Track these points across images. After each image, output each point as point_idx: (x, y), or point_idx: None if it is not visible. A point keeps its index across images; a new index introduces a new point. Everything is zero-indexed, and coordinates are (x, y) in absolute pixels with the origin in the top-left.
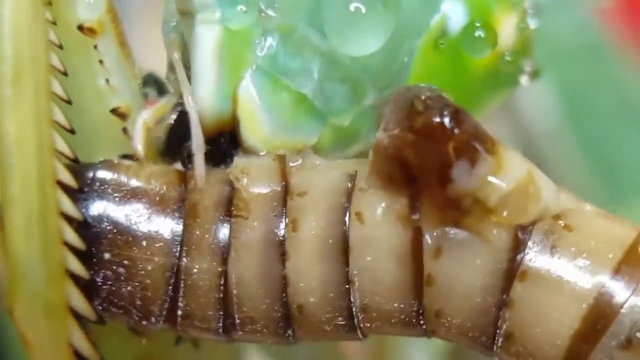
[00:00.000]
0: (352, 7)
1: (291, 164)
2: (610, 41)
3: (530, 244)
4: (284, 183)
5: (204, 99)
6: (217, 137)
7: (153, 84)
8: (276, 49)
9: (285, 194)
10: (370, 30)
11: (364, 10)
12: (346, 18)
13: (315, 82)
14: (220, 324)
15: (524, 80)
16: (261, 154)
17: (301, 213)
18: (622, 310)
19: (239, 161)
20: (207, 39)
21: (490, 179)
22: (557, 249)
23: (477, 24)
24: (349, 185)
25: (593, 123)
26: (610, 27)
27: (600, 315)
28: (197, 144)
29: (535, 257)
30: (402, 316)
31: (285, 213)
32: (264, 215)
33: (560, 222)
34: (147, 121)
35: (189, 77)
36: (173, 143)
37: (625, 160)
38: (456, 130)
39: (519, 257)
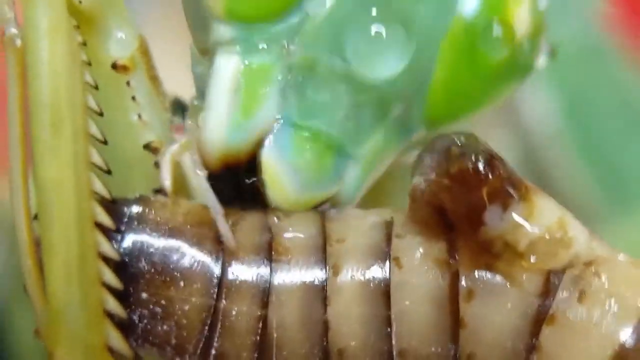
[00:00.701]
0: (372, 32)
1: (328, 212)
2: (611, 44)
3: (560, 289)
4: (322, 230)
5: (214, 130)
6: (226, 169)
7: (179, 110)
8: (302, 85)
9: (324, 240)
10: (392, 52)
11: (384, 33)
12: (367, 43)
13: (344, 111)
14: None
15: (541, 61)
16: None
17: (341, 258)
18: None
19: (277, 208)
20: (224, 70)
21: (521, 223)
22: (586, 294)
23: (494, 23)
24: (386, 231)
25: (594, 126)
26: (611, 30)
27: None
28: (214, 208)
29: (563, 303)
30: None
31: (325, 258)
32: (304, 260)
33: (591, 268)
34: (174, 155)
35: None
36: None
37: (627, 163)
38: (490, 176)
39: (547, 302)
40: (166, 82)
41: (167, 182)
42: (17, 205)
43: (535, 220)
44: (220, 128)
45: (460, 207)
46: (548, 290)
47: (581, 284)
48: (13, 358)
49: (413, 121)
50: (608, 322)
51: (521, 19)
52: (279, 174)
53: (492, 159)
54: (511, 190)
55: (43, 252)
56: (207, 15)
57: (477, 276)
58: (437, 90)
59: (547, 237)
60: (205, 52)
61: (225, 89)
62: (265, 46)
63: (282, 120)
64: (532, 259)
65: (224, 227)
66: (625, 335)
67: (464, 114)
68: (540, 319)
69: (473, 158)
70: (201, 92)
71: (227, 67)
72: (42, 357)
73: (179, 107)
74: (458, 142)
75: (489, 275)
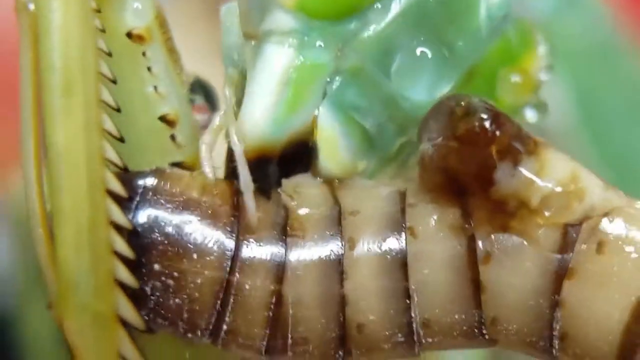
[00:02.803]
0: (418, 52)
1: (339, 185)
2: (623, 39)
3: (578, 242)
4: (336, 203)
5: (256, 121)
6: (259, 162)
7: (200, 90)
8: (345, 87)
9: (338, 213)
10: (434, 76)
11: (429, 55)
12: (412, 62)
13: (375, 120)
14: (264, 343)
15: (529, 115)
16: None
17: (357, 231)
18: None
19: (289, 182)
20: (277, 62)
21: (532, 179)
22: (605, 245)
23: (512, 69)
24: (401, 201)
25: (606, 121)
26: (622, 25)
27: None
28: (245, 183)
29: (582, 255)
30: (464, 327)
31: (341, 232)
32: (319, 235)
33: (608, 218)
34: (209, 144)
35: (240, 100)
36: (230, 172)
37: (639, 158)
38: (497, 133)
39: (567, 257)
40: (194, 64)
41: (210, 171)
42: (28, 173)
43: (547, 174)
44: (263, 120)
45: (470, 168)
46: (566, 244)
47: (599, 235)
48: (26, 348)
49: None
50: (629, 270)
51: (535, 68)
52: (335, 138)
53: (498, 116)
54: (520, 146)
55: (53, 217)
56: (271, 1)
57: (493, 238)
58: None
59: (560, 190)
60: (252, 36)
61: (275, 81)
62: (322, 44)
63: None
64: (547, 214)
65: (250, 202)
66: None
67: None
68: (560, 274)
69: (479, 116)
70: (233, 74)
71: (280, 59)
72: (55, 346)
73: (200, 88)
74: (462, 102)
75: (504, 236)
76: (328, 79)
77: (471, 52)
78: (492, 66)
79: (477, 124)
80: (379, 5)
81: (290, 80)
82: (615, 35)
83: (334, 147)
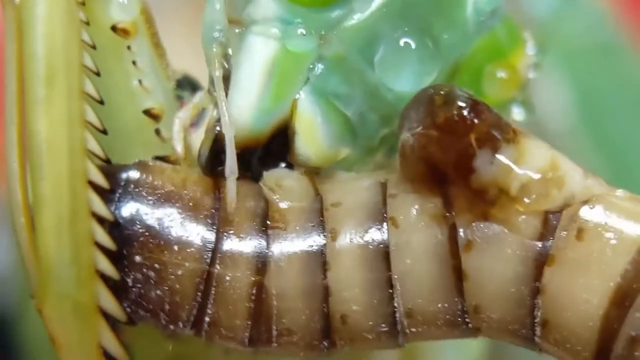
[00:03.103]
0: (402, 42)
1: (321, 177)
2: (623, 39)
3: (558, 229)
4: (317, 194)
5: (242, 111)
6: (246, 150)
7: (188, 86)
8: (327, 75)
9: (320, 205)
10: (417, 67)
11: (413, 46)
12: (395, 53)
13: (357, 109)
14: (247, 334)
15: (517, 114)
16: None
17: (339, 222)
18: None
19: (270, 175)
20: (260, 52)
21: (511, 166)
22: (584, 231)
23: (498, 65)
24: (382, 192)
25: (608, 121)
26: (623, 25)
27: (627, 293)
28: (231, 168)
29: (562, 242)
30: (447, 316)
31: (323, 224)
32: (301, 226)
33: (587, 206)
34: (183, 121)
35: (227, 88)
36: (215, 158)
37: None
38: (476, 121)
39: (547, 244)
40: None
41: (179, 147)
42: (11, 162)
43: (526, 162)
44: (247, 111)
45: (450, 157)
46: (547, 232)
47: (579, 222)
48: (26, 348)
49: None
50: (608, 256)
51: (522, 65)
52: (314, 124)
53: (476, 104)
54: (499, 134)
55: (34, 206)
56: None
57: (474, 226)
58: None
59: (539, 177)
60: (236, 21)
61: (258, 72)
62: (304, 32)
63: (310, 85)
64: (526, 202)
65: (232, 187)
66: (626, 267)
67: None
68: (541, 261)
69: (457, 105)
70: (214, 61)
71: (263, 50)
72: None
73: (189, 84)
74: (441, 91)
75: (485, 224)
76: (310, 66)
77: (456, 45)
78: (478, 61)
79: (455, 112)
80: None
81: (274, 71)
82: (616, 35)
83: (313, 133)
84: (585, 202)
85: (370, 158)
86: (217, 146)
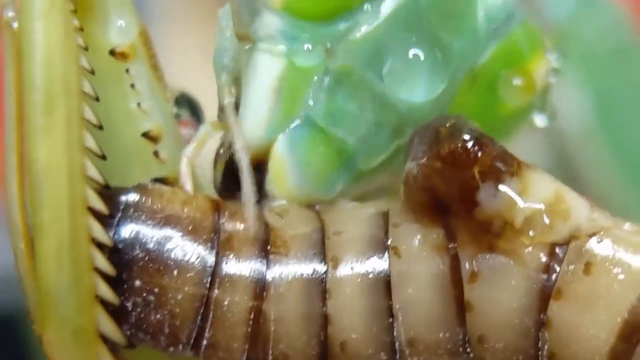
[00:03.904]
0: (410, 54)
1: (324, 206)
2: None
3: (565, 262)
4: (320, 223)
5: (253, 129)
6: (257, 170)
7: (186, 104)
8: (334, 90)
9: (322, 233)
10: (428, 77)
11: (422, 57)
12: (404, 64)
13: (367, 126)
14: (244, 357)
15: (539, 120)
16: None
17: (340, 251)
18: None
19: (275, 203)
20: (268, 70)
21: (515, 199)
22: (592, 265)
23: (514, 72)
24: (384, 221)
25: (625, 125)
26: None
27: (635, 329)
28: (248, 194)
29: (569, 276)
30: (449, 346)
31: (324, 251)
32: (303, 253)
33: (594, 239)
34: (191, 158)
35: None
36: (229, 181)
37: None
38: (480, 154)
39: (553, 277)
40: (179, 77)
41: (189, 185)
42: (11, 188)
43: (530, 195)
44: (259, 128)
45: (454, 189)
46: (553, 264)
47: (586, 256)
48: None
49: None
50: (616, 291)
51: (541, 71)
52: (285, 165)
53: (480, 137)
54: (502, 167)
55: (34, 233)
56: (260, 2)
57: (479, 257)
58: None
59: (543, 210)
60: (244, 37)
61: (267, 90)
62: (310, 47)
63: (304, 117)
64: (531, 234)
65: (250, 214)
66: (633, 302)
67: None
68: (546, 294)
69: (462, 137)
70: (225, 78)
71: (270, 66)
72: None
73: (186, 102)
74: (446, 123)
75: (490, 255)
76: (316, 79)
77: (469, 53)
78: (495, 68)
79: (460, 145)
80: (369, 7)
81: (282, 87)
82: (632, 38)
83: (281, 175)
84: (592, 235)
85: (374, 176)
86: (230, 167)
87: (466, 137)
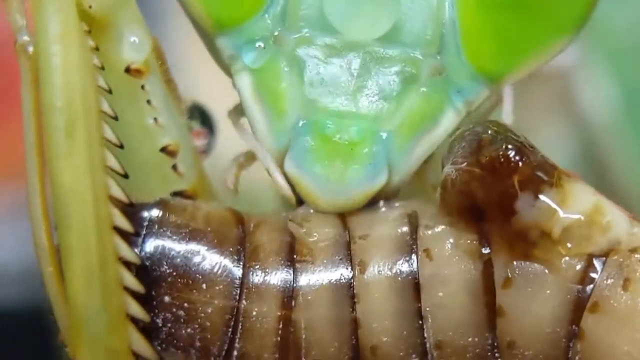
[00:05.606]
0: None
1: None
2: None
3: (603, 275)
4: (344, 227)
5: (262, 139)
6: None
7: (197, 115)
8: (309, 67)
9: (347, 237)
10: (374, 8)
11: None
12: (346, 4)
13: (359, 81)
14: None
15: None
16: None
17: (367, 255)
18: None
19: (298, 211)
20: (244, 87)
21: (554, 209)
22: (631, 281)
23: None
24: (410, 223)
25: None
26: None
27: None
28: (292, 200)
29: (607, 290)
30: (477, 350)
31: (351, 256)
32: (329, 260)
33: (635, 255)
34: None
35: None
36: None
37: None
38: (521, 164)
39: (589, 289)
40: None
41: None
42: (35, 212)
43: (569, 205)
44: (267, 135)
45: (492, 196)
46: (589, 276)
47: (626, 271)
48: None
49: (460, 75)
50: None
51: None
52: (302, 182)
53: (522, 147)
54: (543, 177)
55: (62, 257)
56: (208, 35)
57: (513, 264)
58: (471, 32)
59: (582, 222)
60: (228, 72)
61: (252, 102)
62: (262, 44)
63: (300, 125)
64: (569, 245)
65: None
66: None
67: (514, 57)
68: (580, 305)
69: (503, 146)
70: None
71: (244, 82)
72: None
73: (198, 113)
74: (489, 130)
75: (526, 263)
76: (288, 68)
77: None
78: None
79: (501, 153)
80: None
81: (260, 93)
82: None
83: (307, 192)
84: (633, 251)
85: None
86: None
87: (508, 145)
